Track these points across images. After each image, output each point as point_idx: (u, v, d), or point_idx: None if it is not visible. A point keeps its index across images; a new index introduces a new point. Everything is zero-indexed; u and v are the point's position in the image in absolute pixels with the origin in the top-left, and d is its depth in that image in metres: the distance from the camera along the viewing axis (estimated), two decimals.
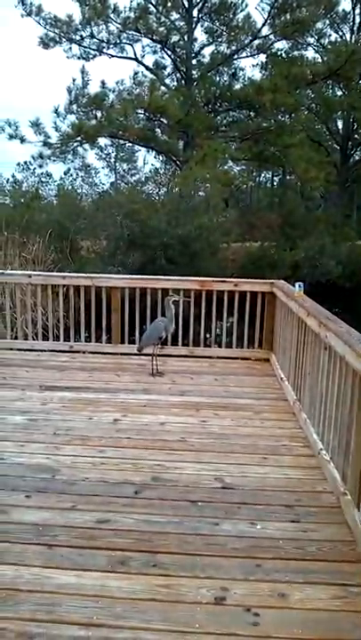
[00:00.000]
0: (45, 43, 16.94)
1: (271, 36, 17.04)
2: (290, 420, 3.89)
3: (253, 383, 4.78)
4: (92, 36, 17.13)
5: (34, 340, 6.04)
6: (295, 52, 17.52)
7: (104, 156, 29.22)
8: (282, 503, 2.74)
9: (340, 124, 21.30)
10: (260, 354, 5.48)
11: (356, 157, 22.15)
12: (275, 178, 29.83)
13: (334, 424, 2.92)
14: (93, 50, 17.44)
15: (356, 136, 21.22)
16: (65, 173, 23.99)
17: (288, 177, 23.61)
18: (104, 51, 17.52)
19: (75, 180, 24.30)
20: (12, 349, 5.69)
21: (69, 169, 22.56)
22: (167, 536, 2.44)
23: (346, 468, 2.69)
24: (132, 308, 5.57)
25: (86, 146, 18.53)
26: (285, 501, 2.76)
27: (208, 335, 6.28)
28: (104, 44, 17.38)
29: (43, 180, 24.82)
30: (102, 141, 20.39)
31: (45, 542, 2.37)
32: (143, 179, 23.03)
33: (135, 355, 5.46)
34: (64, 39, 17.01)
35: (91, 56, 17.53)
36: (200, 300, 5.46)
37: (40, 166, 18.87)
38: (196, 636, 1.87)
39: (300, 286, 4.19)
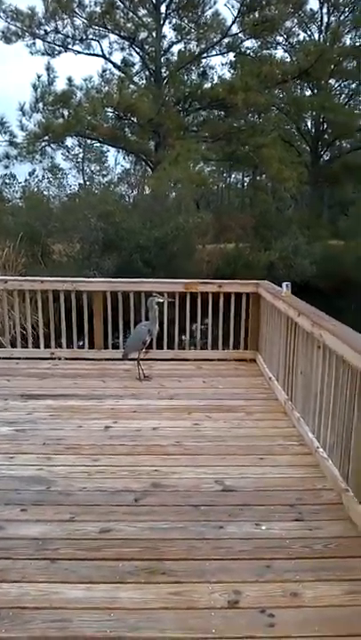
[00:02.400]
0: (7, 37, 16.50)
1: (240, 35, 17.17)
2: (282, 420, 3.91)
3: (242, 384, 4.79)
4: (56, 31, 16.80)
5: (12, 347, 5.88)
6: (264, 51, 17.73)
7: (71, 156, 28.83)
8: (284, 502, 2.75)
9: (310, 124, 21.65)
10: (246, 354, 5.50)
11: (327, 157, 22.57)
12: (245, 179, 30.12)
13: (332, 421, 2.95)
14: (58, 45, 17.12)
15: (326, 136, 21.62)
16: (30, 174, 23.52)
17: (258, 177, 23.88)
18: (70, 47, 17.25)
19: (40, 181, 23.85)
20: None
21: (34, 170, 22.14)
22: (173, 542, 2.41)
23: (346, 465, 2.72)
24: (114, 312, 5.50)
25: (53, 145, 18.23)
26: (287, 500, 2.76)
27: (192, 338, 6.27)
28: (69, 40, 17.10)
29: (7, 181, 24.26)
30: (69, 141, 20.13)
31: (47, 557, 2.30)
32: (115, 179, 22.84)
33: (120, 360, 5.38)
34: (27, 34, 16.58)
35: (56, 52, 17.20)
36: (184, 303, 5.44)
37: (6, 167, 18.46)
38: None
39: (287, 286, 4.22)
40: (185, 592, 2.09)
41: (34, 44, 16.80)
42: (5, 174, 20.74)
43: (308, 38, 19.31)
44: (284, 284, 4.26)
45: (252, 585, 2.13)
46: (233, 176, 31.24)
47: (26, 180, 22.37)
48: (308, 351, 3.47)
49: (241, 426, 3.79)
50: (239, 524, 2.55)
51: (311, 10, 19.03)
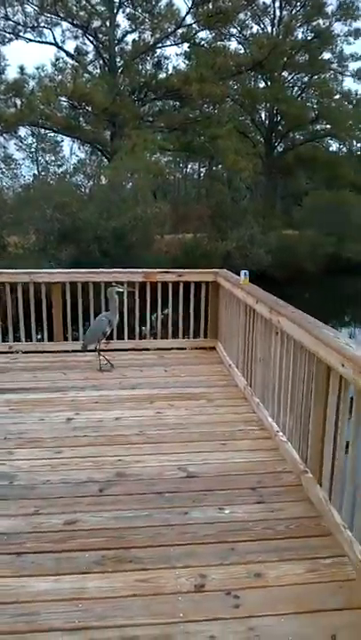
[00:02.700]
0: None
1: (195, 26, 17.15)
2: (242, 405, 3.99)
3: (203, 372, 4.84)
4: (6, 17, 16.30)
5: None
6: (219, 43, 17.77)
7: (25, 146, 27.99)
8: (246, 486, 2.81)
9: (263, 115, 21.93)
10: (206, 342, 5.56)
11: (280, 149, 22.93)
12: (201, 169, 30.19)
13: (290, 406, 3.04)
14: (9, 33, 16.63)
15: (279, 128, 21.94)
16: None
17: (214, 168, 24.00)
18: (21, 34, 16.77)
19: None
20: None
21: None
22: (138, 530, 2.43)
23: (304, 448, 2.81)
24: (73, 304, 5.42)
25: (6, 135, 17.73)
26: (249, 484, 2.83)
27: (153, 328, 6.26)
28: (20, 27, 16.62)
29: None
30: (22, 131, 19.59)
31: (13, 551, 2.27)
32: (71, 170, 22.36)
33: (80, 352, 5.33)
34: None
35: (6, 40, 16.71)
36: (144, 292, 5.42)
37: None
38: (182, 625, 1.88)
39: (245, 274, 4.28)
40: (152, 579, 2.12)
41: None
42: None
43: (261, 31, 19.50)
44: (242, 272, 4.32)
45: (217, 568, 2.18)
46: (190, 166, 31.26)
47: None
48: (266, 338, 3.55)
49: (202, 413, 3.84)
50: (203, 509, 2.59)
51: (264, 3, 19.23)
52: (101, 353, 4.94)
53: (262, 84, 20.13)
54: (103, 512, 2.57)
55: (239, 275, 4.43)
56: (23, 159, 28.10)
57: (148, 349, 5.55)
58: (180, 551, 2.28)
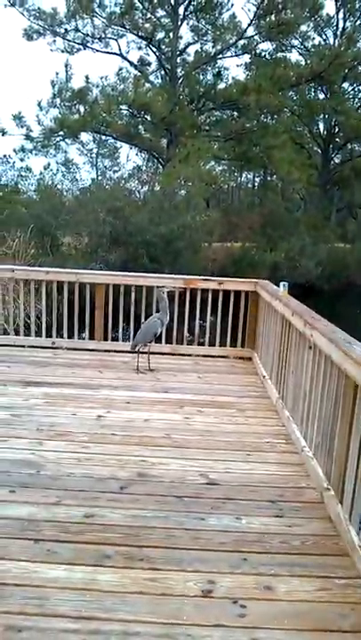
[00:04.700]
0: (29, 35, 16.81)
1: (256, 37, 17.23)
2: (273, 418, 3.95)
3: (236, 381, 4.83)
4: (76, 29, 17.05)
5: (16, 335, 5.96)
6: (279, 54, 17.73)
7: (86, 151, 28.95)
8: (266, 499, 2.79)
9: (321, 126, 21.61)
10: (242, 352, 5.54)
11: (337, 160, 22.50)
12: (256, 179, 30.07)
13: (318, 422, 2.98)
14: (78, 44, 17.37)
15: (337, 139, 21.55)
16: (45, 168, 23.74)
17: (269, 178, 23.85)
18: (88, 45, 17.46)
19: (55, 174, 24.07)
20: None
21: (49, 164, 22.33)
22: (154, 530, 2.46)
23: (329, 465, 2.75)
24: (115, 305, 5.56)
25: (68, 140, 18.44)
26: (270, 497, 2.80)
27: (190, 335, 6.31)
28: (89, 39, 17.33)
29: (22, 174, 24.46)
30: (84, 137, 20.31)
31: (31, 537, 2.36)
32: (126, 175, 22.94)
33: (118, 352, 5.46)
34: (48, 32, 16.92)
35: (75, 50, 17.45)
36: (184, 299, 5.49)
37: (21, 160, 18.72)
38: (184, 628, 1.89)
39: (284, 286, 4.25)
40: (161, 579, 2.14)
41: (54, 41, 17.13)
42: (21, 167, 20.97)
43: (323, 42, 19.25)
44: (281, 284, 4.29)
45: (226, 576, 2.18)
46: (245, 175, 31.21)
47: (41, 174, 22.55)
48: (299, 351, 3.50)
49: (231, 422, 3.84)
50: (220, 517, 2.59)
51: (328, 14, 18.99)
52: (142, 355, 5.02)
53: (322, 96, 19.87)
54: (121, 509, 2.62)
55: (278, 286, 4.40)
56: (84, 163, 29.14)
57: (184, 355, 5.60)
58: (192, 555, 2.30)
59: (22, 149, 17.65)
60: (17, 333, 5.96)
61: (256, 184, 29.88)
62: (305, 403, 3.28)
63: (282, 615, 1.97)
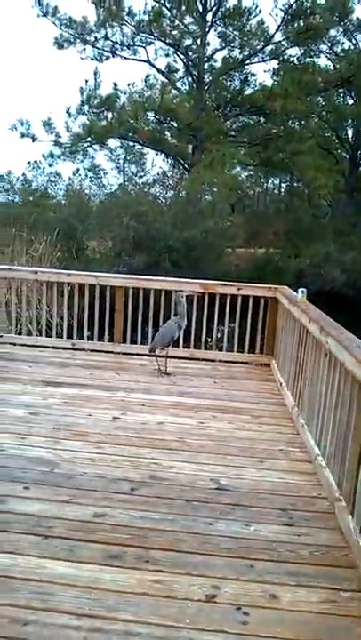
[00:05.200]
0: (60, 43, 17.07)
1: (284, 43, 17.11)
2: (288, 426, 3.92)
3: (253, 387, 4.81)
4: (105, 37, 17.24)
5: (37, 336, 6.09)
6: (307, 59, 17.57)
7: (113, 157, 29.34)
8: (276, 506, 2.77)
9: (350, 132, 21.31)
10: (260, 358, 5.52)
11: None
12: (282, 184, 29.87)
13: (332, 430, 2.95)
14: (107, 51, 17.55)
15: None
16: (74, 173, 24.17)
17: (296, 184, 23.65)
18: (117, 52, 17.64)
19: (83, 180, 24.46)
20: (15, 344, 5.74)
21: (78, 169, 22.71)
22: (161, 533, 2.47)
23: (341, 475, 2.72)
24: (134, 308, 5.61)
25: (96, 146, 18.67)
26: (280, 505, 2.78)
27: (209, 339, 6.31)
28: (117, 46, 17.50)
29: (52, 179, 24.95)
30: (112, 143, 20.53)
31: (41, 533, 2.40)
32: (151, 181, 23.13)
33: (136, 354, 5.51)
34: (78, 40, 17.14)
35: (104, 57, 17.64)
36: (202, 303, 5.50)
37: (50, 165, 19.03)
38: (186, 631, 1.90)
39: (302, 292, 4.22)
40: (166, 581, 2.15)
41: (84, 49, 17.33)
42: (51, 172, 21.39)
43: (352, 47, 18.98)
44: (300, 290, 4.26)
45: (231, 582, 2.17)
46: (271, 181, 31.07)
47: (69, 179, 22.97)
48: (315, 358, 3.47)
49: (245, 428, 3.83)
50: (228, 523, 2.59)
51: (358, 18, 18.69)
52: (160, 359, 5.06)
53: (350, 101, 19.62)
54: (131, 510, 2.64)
55: (297, 292, 4.37)
56: (112, 169, 29.53)
57: (201, 360, 5.61)
58: (198, 560, 2.30)
59: (51, 155, 17.94)
60: (39, 334, 6.09)
61: (282, 190, 29.70)
62: (320, 411, 3.25)
63: (285, 625, 1.96)
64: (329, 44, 18.25)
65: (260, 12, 16.79)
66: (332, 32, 17.60)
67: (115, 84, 17.41)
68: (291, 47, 17.30)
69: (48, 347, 5.74)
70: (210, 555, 2.34)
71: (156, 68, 18.15)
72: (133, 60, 17.93)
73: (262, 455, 3.38)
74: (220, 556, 2.34)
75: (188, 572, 2.21)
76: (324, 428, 3.13)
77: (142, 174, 29.68)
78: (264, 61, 17.77)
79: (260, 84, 17.87)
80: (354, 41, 19.09)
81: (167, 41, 17.55)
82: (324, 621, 1.99)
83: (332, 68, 18.02)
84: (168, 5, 17.03)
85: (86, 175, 24.21)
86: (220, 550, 2.38)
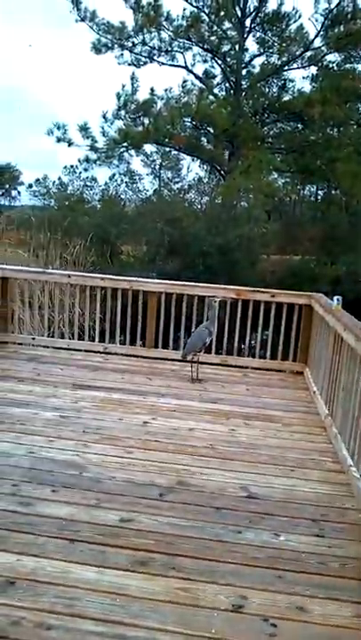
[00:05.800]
0: (98, 48, 17.22)
1: (323, 48, 16.87)
2: (320, 435, 3.82)
3: (285, 395, 4.72)
4: (143, 42, 17.32)
5: (70, 339, 6.17)
6: (347, 65, 17.27)
7: (149, 162, 29.59)
8: (307, 517, 2.69)
9: None
10: (294, 366, 5.42)
11: None
12: (319, 192, 29.42)
13: None
14: (144, 57, 17.64)
15: None
16: (110, 178, 24.49)
17: (333, 191, 23.24)
18: (155, 58, 17.70)
19: (119, 185, 24.76)
20: (47, 347, 5.83)
21: (114, 174, 23.01)
22: (189, 540, 2.44)
23: None
24: (167, 314, 5.62)
25: (132, 152, 18.83)
26: (311, 515, 2.71)
27: (243, 345, 6.25)
28: (155, 52, 17.56)
29: (88, 184, 25.34)
30: (148, 148, 20.68)
31: (68, 537, 2.40)
32: (186, 186, 23.20)
33: (168, 359, 5.51)
34: (116, 45, 17.23)
35: (141, 63, 17.73)
36: (236, 310, 5.45)
37: (86, 170, 19.27)
38: None
39: (338, 300, 4.12)
40: (192, 589, 2.12)
41: (122, 55, 17.47)
42: (87, 177, 21.73)
43: None
44: (335, 298, 4.16)
45: (259, 592, 2.12)
46: (308, 188, 30.66)
47: (106, 184, 23.30)
48: (350, 367, 3.37)
49: (277, 436, 3.75)
50: (257, 532, 2.53)
51: None
52: (193, 365, 5.04)
53: None
54: (159, 516, 2.62)
55: (332, 300, 4.27)
56: (147, 174, 29.78)
57: (233, 366, 5.55)
58: (226, 569, 2.26)
59: (87, 160, 18.16)
60: (72, 337, 6.17)
61: (319, 197, 29.24)
62: (354, 421, 3.15)
63: (314, 638, 1.89)
64: None
65: (300, 17, 16.58)
66: None
67: (152, 90, 17.51)
68: (330, 53, 17.03)
69: (80, 350, 5.80)
70: (238, 564, 2.29)
71: (194, 73, 18.20)
72: (171, 65, 18.02)
73: (293, 464, 3.31)
74: (249, 565, 2.29)
75: (215, 581, 2.17)
76: (359, 438, 3.03)
77: (178, 180, 29.84)
78: (303, 67, 17.54)
79: (298, 90, 17.64)
80: None
81: (205, 47, 17.57)
82: (355, 637, 1.92)
83: None
84: (206, 11, 17.04)
85: (122, 180, 24.50)
86: (248, 560, 2.33)
